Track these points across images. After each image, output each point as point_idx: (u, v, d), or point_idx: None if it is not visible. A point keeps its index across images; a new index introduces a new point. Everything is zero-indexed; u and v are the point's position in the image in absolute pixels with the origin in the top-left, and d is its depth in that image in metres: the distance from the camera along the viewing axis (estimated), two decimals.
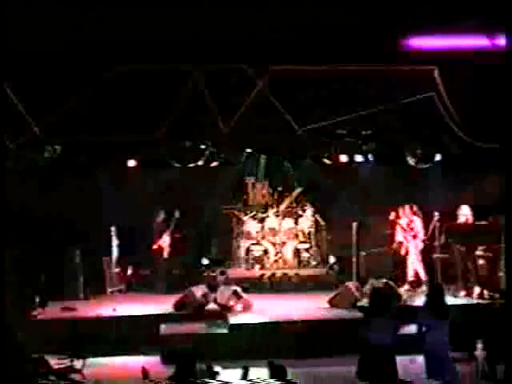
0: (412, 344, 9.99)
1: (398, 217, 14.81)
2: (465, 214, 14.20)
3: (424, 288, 14.16)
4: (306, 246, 15.93)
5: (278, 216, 16.07)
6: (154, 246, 15.30)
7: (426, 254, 14.79)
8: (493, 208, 13.59)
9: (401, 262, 14.93)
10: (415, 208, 14.71)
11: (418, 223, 14.64)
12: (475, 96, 11.91)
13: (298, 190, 16.14)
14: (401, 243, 14.80)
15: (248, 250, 15.82)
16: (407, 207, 14.75)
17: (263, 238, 15.96)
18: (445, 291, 10.37)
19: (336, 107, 12.16)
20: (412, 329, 10.26)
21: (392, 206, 14.96)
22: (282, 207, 16.13)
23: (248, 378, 8.98)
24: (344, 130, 13.58)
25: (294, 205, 16.16)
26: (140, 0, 11.28)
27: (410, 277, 14.61)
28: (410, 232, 14.67)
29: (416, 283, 14.52)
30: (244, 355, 10.94)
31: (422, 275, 14.53)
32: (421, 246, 14.62)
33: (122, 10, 11.08)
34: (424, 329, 9.70)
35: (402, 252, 14.75)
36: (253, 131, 12.77)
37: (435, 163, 14.54)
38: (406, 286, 14.51)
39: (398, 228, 14.81)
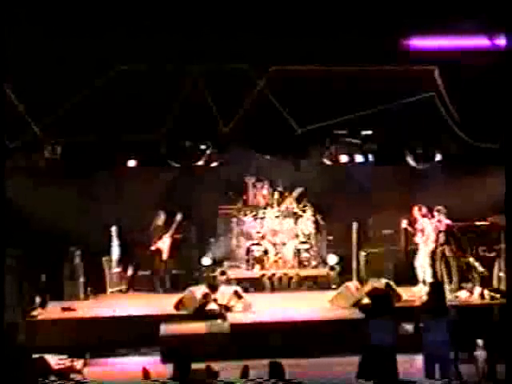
0: (410, 343, 9.99)
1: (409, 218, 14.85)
2: None
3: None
4: (306, 246, 15.91)
5: (278, 216, 16.06)
6: (153, 248, 15.30)
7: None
8: (493, 208, 13.62)
9: (405, 263, 14.98)
10: (424, 210, 14.60)
11: (426, 225, 14.54)
12: (475, 96, 11.91)
13: (298, 190, 16.12)
14: (416, 244, 14.81)
15: (248, 250, 15.80)
16: (416, 208, 14.66)
17: (263, 238, 15.95)
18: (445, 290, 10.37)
19: (336, 107, 12.15)
20: (409, 328, 10.25)
21: (394, 206, 15.02)
22: (282, 207, 16.12)
23: (248, 378, 8.98)
24: (344, 130, 13.59)
25: (294, 205, 16.15)
26: (140, 0, 11.27)
27: (420, 278, 14.63)
28: (418, 233, 14.61)
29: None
30: (244, 355, 10.93)
31: (428, 277, 14.50)
32: (431, 247, 14.47)
33: (122, 11, 11.07)
34: (421, 325, 9.68)
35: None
36: (253, 131, 12.77)
37: (435, 163, 14.54)
38: (420, 286, 14.48)
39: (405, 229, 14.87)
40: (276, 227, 15.99)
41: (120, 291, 15.29)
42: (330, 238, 15.93)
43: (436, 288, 10.23)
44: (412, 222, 14.71)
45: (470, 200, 14.62)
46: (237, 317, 12.91)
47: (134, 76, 11.42)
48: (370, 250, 15.45)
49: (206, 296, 13.31)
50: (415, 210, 14.64)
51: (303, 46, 11.43)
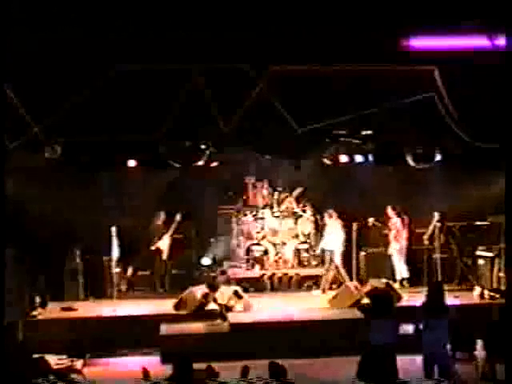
0: (411, 344, 9.98)
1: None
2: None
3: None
4: (306, 246, 15.92)
5: (277, 216, 16.07)
6: (152, 248, 15.31)
7: (425, 254, 14.92)
8: (493, 208, 13.62)
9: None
10: (398, 209, 14.83)
11: (398, 224, 14.79)
12: (475, 96, 11.91)
13: (298, 190, 16.13)
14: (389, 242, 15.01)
15: (248, 250, 15.82)
16: (389, 208, 14.86)
17: (263, 238, 15.96)
18: (445, 290, 10.37)
19: (336, 107, 12.15)
20: (409, 328, 10.23)
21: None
22: (282, 207, 16.13)
23: (248, 378, 8.98)
24: (344, 130, 13.59)
25: (294, 205, 16.15)
26: (140, 0, 11.27)
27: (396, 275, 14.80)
28: (392, 231, 14.81)
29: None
30: (244, 355, 10.94)
31: (404, 274, 14.66)
32: (404, 245, 14.75)
33: (122, 10, 11.07)
34: (421, 327, 9.67)
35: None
36: (253, 131, 12.77)
37: (435, 163, 14.55)
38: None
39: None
40: (276, 227, 16.00)
41: (120, 291, 15.28)
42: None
43: (435, 288, 10.22)
44: (385, 221, 14.86)
45: (469, 200, 14.62)
46: (237, 317, 12.91)
47: (134, 76, 11.41)
48: (369, 250, 15.45)
49: (205, 296, 13.32)
50: (389, 209, 14.82)
51: (303, 46, 11.42)
